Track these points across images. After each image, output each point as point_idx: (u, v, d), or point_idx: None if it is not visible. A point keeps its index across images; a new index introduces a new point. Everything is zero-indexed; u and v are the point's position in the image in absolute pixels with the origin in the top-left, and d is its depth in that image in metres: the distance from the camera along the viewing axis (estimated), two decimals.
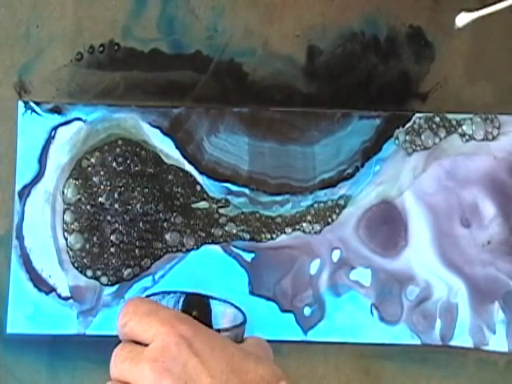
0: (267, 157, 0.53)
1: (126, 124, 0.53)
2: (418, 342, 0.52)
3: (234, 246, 0.53)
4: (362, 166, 0.53)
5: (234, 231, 0.53)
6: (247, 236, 0.53)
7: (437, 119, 0.53)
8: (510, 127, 0.53)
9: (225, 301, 0.46)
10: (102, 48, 0.54)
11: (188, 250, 0.53)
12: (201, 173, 0.53)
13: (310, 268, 0.52)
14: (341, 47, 0.55)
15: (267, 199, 0.53)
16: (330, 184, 0.53)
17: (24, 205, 0.52)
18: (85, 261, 0.52)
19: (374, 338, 0.52)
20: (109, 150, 0.53)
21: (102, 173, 0.53)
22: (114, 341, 0.52)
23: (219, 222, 0.53)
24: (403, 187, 0.53)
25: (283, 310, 0.52)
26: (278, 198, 0.53)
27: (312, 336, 0.52)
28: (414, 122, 0.53)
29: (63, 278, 0.52)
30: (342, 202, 0.53)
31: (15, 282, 0.52)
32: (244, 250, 0.53)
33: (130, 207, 0.53)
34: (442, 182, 0.53)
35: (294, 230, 0.53)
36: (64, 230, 0.52)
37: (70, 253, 0.52)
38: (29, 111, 0.53)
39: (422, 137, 0.53)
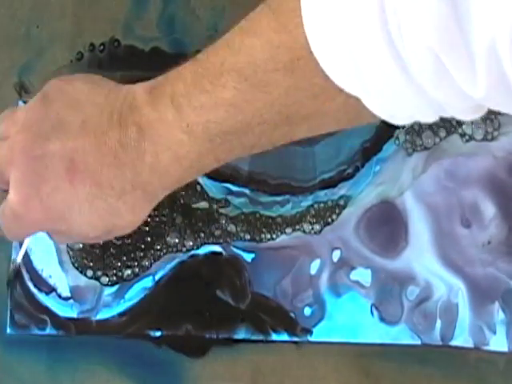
0: (267, 157, 0.53)
1: None
2: (418, 342, 0.52)
3: (234, 246, 0.53)
4: (363, 166, 0.53)
5: (234, 231, 0.53)
6: (247, 236, 0.53)
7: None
8: (510, 127, 0.53)
9: None
10: (102, 47, 0.54)
11: (188, 250, 0.53)
12: None
13: (310, 268, 0.52)
14: None
15: (267, 199, 0.53)
16: (330, 184, 0.53)
17: None
18: (85, 261, 0.52)
19: (374, 338, 0.52)
20: None
21: None
22: (114, 341, 0.53)
23: (219, 222, 0.53)
24: (403, 187, 0.53)
25: None
26: (278, 198, 0.53)
27: (312, 336, 0.52)
28: (414, 122, 0.53)
29: (63, 279, 0.52)
30: (342, 202, 0.53)
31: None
32: (244, 250, 0.53)
33: None
34: (442, 182, 0.53)
35: (294, 230, 0.53)
36: None
37: (71, 253, 0.52)
38: None
39: (423, 137, 0.53)
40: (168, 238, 0.53)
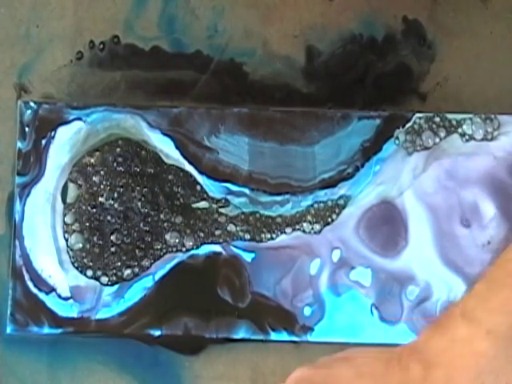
0: (267, 157, 0.53)
1: (126, 124, 0.53)
2: None
3: (234, 246, 0.53)
4: (362, 166, 0.53)
5: (234, 231, 0.53)
6: (247, 236, 0.53)
7: (437, 119, 0.53)
8: (510, 127, 0.53)
9: None
10: (102, 45, 0.54)
11: (188, 250, 0.53)
12: (201, 173, 0.53)
13: (310, 268, 0.52)
14: (340, 48, 0.55)
15: (267, 199, 0.53)
16: (330, 184, 0.53)
17: (24, 205, 0.52)
18: (85, 261, 0.52)
19: (374, 337, 0.52)
20: (109, 150, 0.53)
21: (102, 173, 0.53)
22: (114, 340, 0.53)
23: (219, 221, 0.53)
24: (403, 187, 0.53)
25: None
26: (278, 198, 0.53)
27: (312, 336, 0.52)
28: (414, 122, 0.53)
29: (63, 278, 0.52)
30: (341, 201, 0.53)
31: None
32: (244, 250, 0.53)
33: (130, 207, 0.53)
34: (442, 181, 0.53)
35: (294, 229, 0.53)
36: (64, 231, 0.52)
37: (70, 253, 0.52)
38: (29, 111, 0.53)
39: (423, 137, 0.53)
40: (168, 238, 0.53)
